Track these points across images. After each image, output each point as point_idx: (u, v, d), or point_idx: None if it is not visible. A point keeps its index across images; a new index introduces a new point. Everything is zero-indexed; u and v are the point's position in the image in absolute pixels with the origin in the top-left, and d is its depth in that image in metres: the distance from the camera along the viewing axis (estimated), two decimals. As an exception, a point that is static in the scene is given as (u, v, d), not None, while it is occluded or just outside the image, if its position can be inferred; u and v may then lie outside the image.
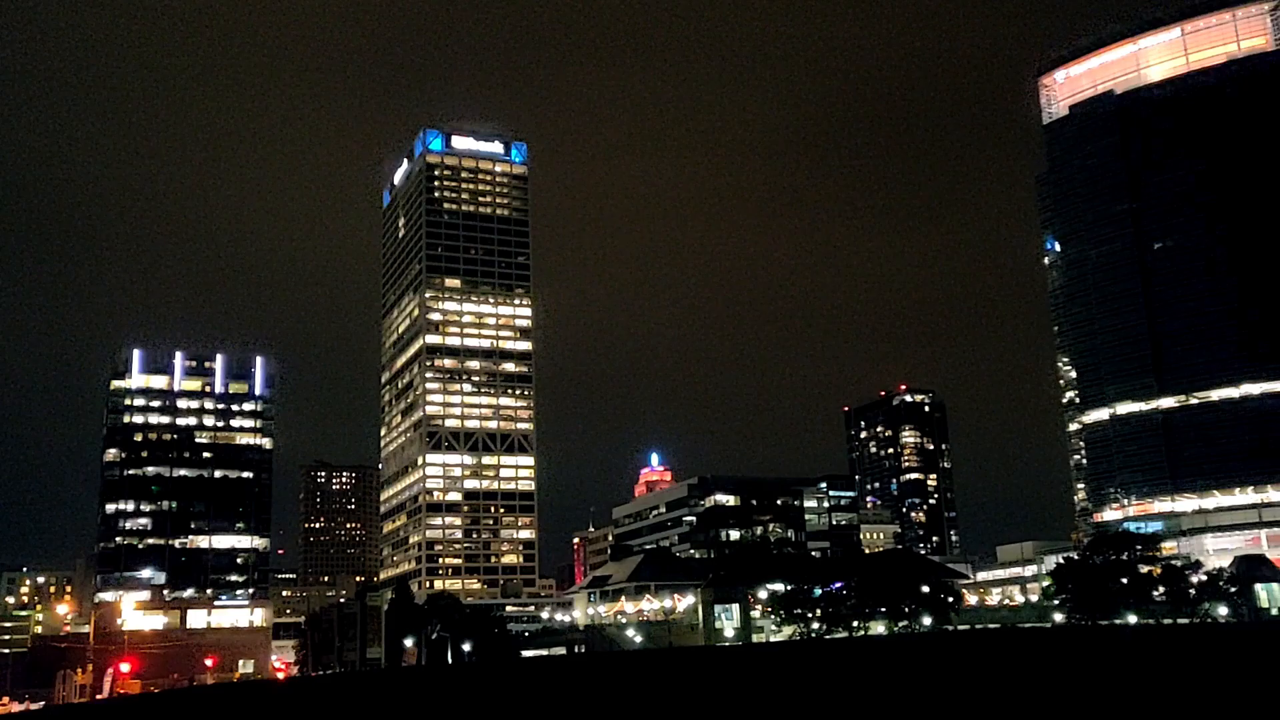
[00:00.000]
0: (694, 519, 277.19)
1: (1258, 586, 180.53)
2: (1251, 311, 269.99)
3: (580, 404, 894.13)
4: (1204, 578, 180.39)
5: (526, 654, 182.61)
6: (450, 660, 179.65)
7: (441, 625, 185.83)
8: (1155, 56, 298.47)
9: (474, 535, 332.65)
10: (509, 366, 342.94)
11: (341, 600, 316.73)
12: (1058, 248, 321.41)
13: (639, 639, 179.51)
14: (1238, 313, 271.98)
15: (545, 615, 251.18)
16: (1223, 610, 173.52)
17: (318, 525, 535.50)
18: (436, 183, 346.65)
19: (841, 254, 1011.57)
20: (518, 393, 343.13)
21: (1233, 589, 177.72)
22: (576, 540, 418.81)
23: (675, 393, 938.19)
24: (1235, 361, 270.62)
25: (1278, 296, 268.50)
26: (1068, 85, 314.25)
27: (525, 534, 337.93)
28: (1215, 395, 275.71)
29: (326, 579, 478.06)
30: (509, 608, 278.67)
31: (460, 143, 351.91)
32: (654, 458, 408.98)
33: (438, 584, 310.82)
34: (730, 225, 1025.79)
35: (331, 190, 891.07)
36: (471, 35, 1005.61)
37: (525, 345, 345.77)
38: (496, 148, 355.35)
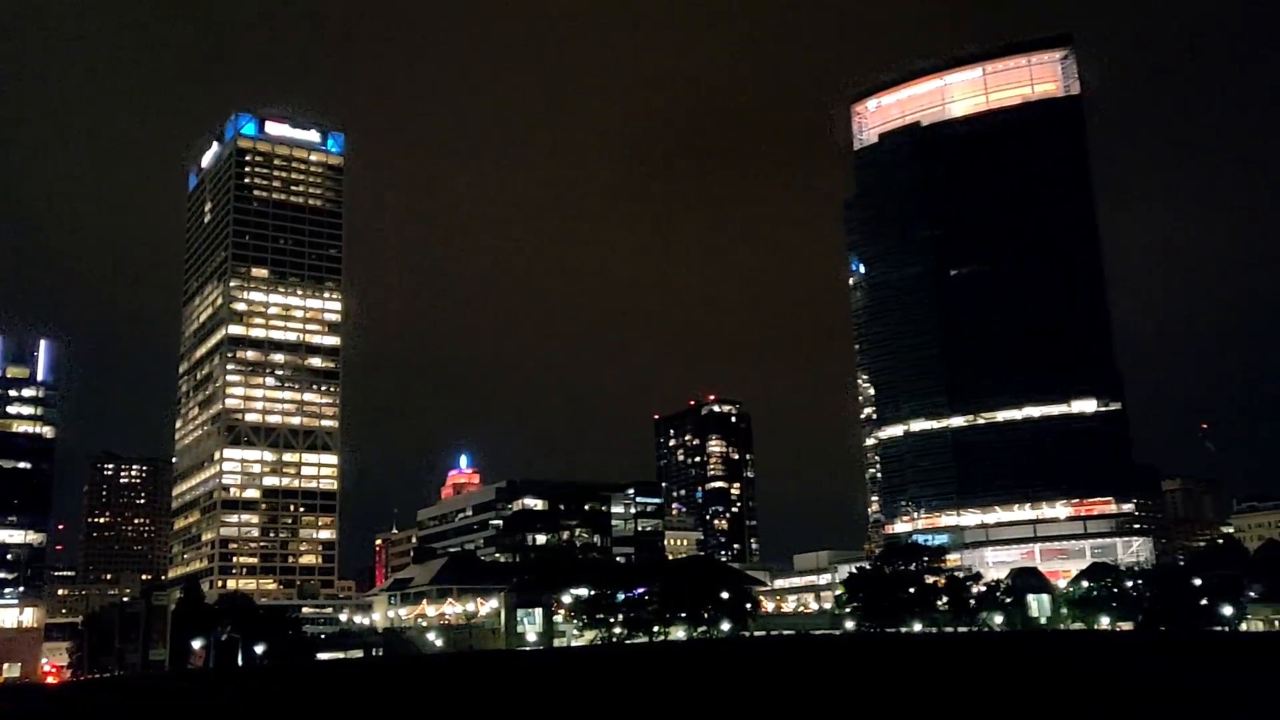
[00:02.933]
0: (501, 522, 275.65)
1: (1029, 597, 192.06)
2: (1037, 338, 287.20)
3: (389, 403, 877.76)
4: (983, 588, 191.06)
5: (322, 657, 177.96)
6: (241, 663, 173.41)
7: (233, 626, 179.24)
8: (959, 93, 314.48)
9: (271, 534, 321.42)
10: (315, 361, 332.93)
11: (125, 599, 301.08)
12: (862, 269, 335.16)
13: (439, 642, 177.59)
14: (1025, 339, 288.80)
15: (344, 617, 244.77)
16: (998, 619, 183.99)
17: (103, 520, 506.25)
18: (247, 168, 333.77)
19: (659, 263, 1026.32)
20: (323, 389, 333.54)
21: (1008, 599, 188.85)
22: (379, 542, 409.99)
23: (488, 395, 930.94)
24: (1020, 385, 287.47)
25: (1063, 326, 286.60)
26: (878, 114, 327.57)
27: (326, 534, 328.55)
28: (1001, 416, 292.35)
29: (110, 577, 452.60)
30: (306, 609, 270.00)
31: (274, 129, 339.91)
32: (463, 460, 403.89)
33: (231, 584, 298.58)
34: (550, 229, 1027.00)
35: (133, 169, 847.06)
36: (296, 19, 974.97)
37: (333, 340, 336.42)
38: (313, 136, 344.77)
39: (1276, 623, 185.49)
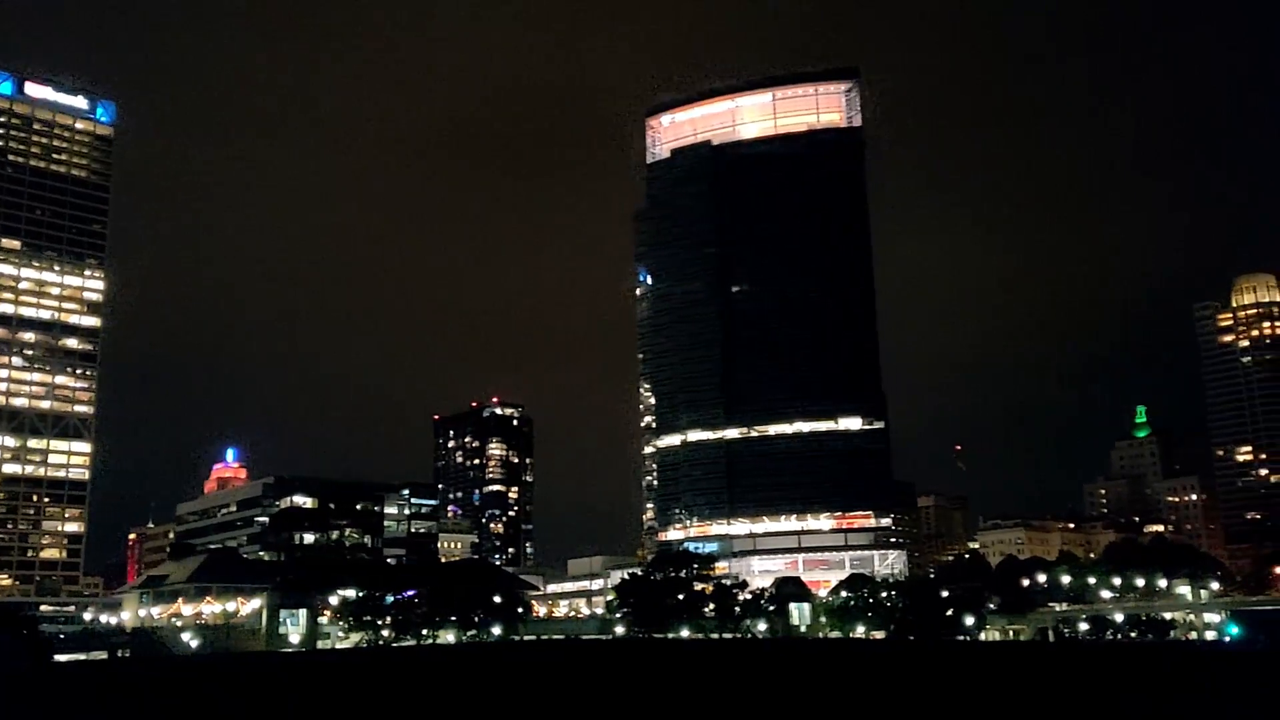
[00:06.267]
0: (267, 520, 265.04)
1: (792, 605, 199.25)
2: (810, 357, 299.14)
3: (153, 391, 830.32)
4: (749, 596, 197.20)
5: (60, 658, 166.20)
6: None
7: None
8: (750, 115, 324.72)
9: (10, 525, 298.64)
10: (71, 342, 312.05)
11: None
12: (649, 280, 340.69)
13: (195, 643, 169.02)
14: (798, 357, 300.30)
15: (88, 616, 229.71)
16: (762, 626, 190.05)
17: None
18: (0, 130, 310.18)
19: (449, 261, 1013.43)
20: (79, 372, 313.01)
21: (771, 607, 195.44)
22: (133, 537, 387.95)
23: (261, 387, 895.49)
24: (792, 401, 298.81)
25: (834, 346, 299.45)
26: (672, 130, 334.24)
27: (73, 527, 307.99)
28: (773, 430, 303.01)
29: None
30: (45, 607, 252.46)
31: (36, 91, 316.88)
32: (229, 454, 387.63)
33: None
34: (336, 219, 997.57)
35: None
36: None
37: (93, 321, 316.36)
38: (80, 103, 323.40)
39: (1011, 632, 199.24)
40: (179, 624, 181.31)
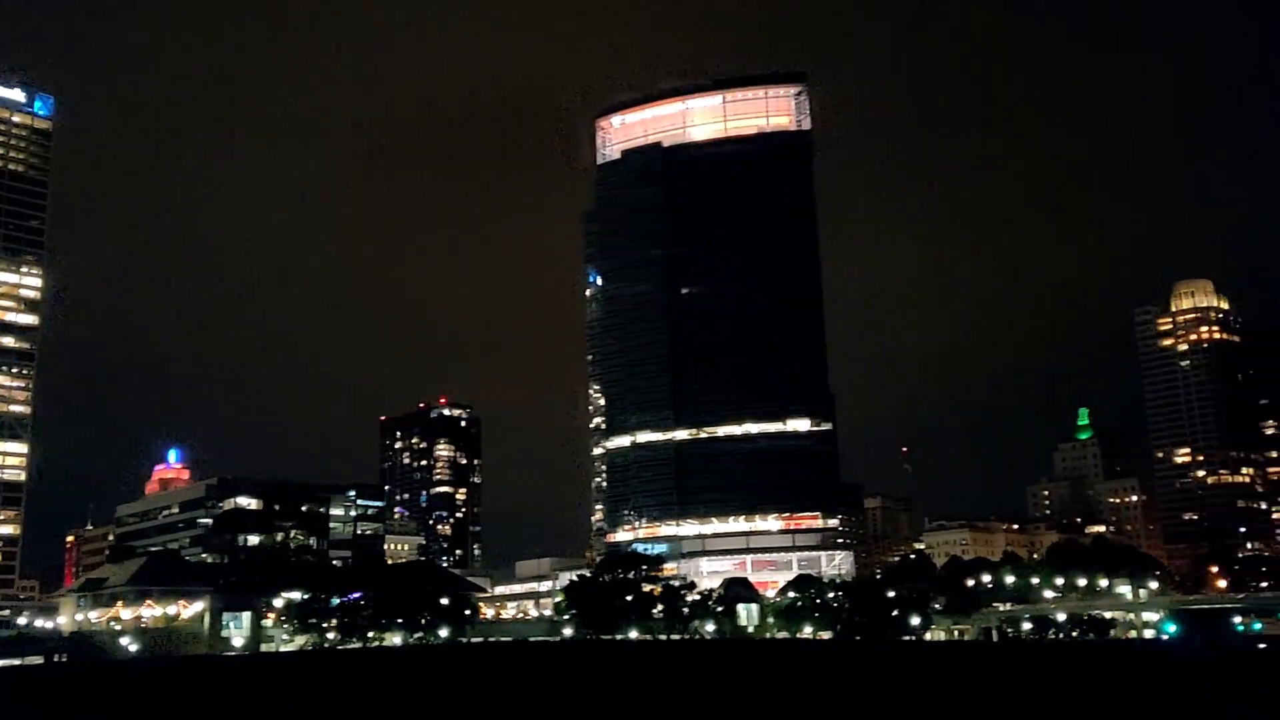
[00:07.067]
0: (210, 521, 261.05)
1: (739, 606, 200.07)
2: (759, 359, 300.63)
3: (93, 390, 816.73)
4: (697, 597, 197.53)
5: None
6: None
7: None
8: (700, 118, 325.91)
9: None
10: (8, 340, 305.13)
11: None
12: (599, 282, 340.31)
13: (135, 648, 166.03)
14: (747, 359, 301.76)
15: (23, 621, 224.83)
16: (710, 627, 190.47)
17: None
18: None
19: (396, 262, 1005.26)
20: (16, 371, 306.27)
21: (719, 608, 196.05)
22: (70, 539, 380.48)
23: (205, 387, 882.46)
24: (741, 402, 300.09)
25: (782, 348, 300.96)
26: (622, 131, 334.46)
27: (7, 529, 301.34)
28: (722, 431, 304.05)
29: None
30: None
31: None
32: (172, 454, 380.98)
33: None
34: (284, 220, 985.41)
35: None
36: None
37: (31, 319, 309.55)
38: (16, 95, 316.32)
39: (956, 632, 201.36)
40: (118, 628, 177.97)
